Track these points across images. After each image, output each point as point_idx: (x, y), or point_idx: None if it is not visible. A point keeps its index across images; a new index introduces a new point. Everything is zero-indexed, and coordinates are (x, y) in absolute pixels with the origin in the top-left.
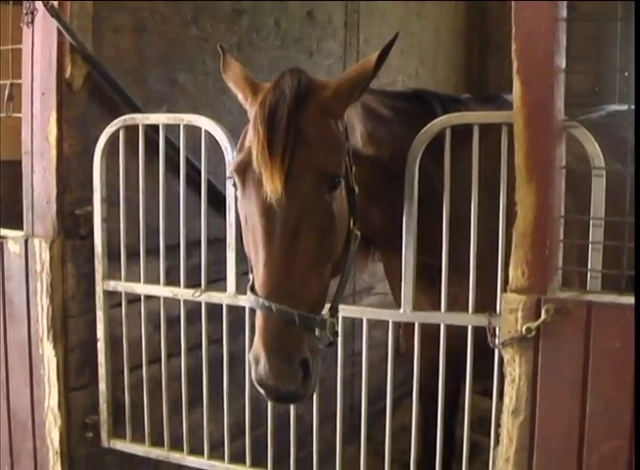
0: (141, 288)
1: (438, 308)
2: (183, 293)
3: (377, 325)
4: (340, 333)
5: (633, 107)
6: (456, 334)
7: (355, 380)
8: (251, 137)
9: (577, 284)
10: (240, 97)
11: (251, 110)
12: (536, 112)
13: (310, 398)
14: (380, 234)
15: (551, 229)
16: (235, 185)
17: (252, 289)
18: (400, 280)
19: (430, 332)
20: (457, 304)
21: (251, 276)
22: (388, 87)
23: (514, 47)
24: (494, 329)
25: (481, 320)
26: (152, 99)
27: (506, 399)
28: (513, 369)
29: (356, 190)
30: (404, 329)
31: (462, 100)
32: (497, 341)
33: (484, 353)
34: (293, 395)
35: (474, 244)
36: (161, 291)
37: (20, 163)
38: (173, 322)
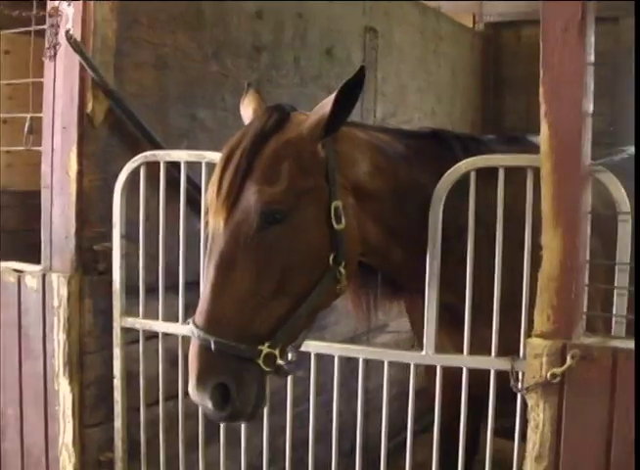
0: (159, 325)
1: (462, 351)
2: None
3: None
4: (290, 366)
5: None
6: (476, 376)
7: (369, 418)
8: None
9: (601, 326)
10: None
11: None
12: (564, 156)
13: (252, 419)
14: (403, 273)
15: (577, 274)
16: None
17: None
18: (420, 320)
19: (450, 373)
20: (485, 346)
21: None
22: (405, 125)
23: (542, 90)
24: (517, 373)
25: (504, 364)
26: (172, 135)
27: (529, 445)
28: (537, 414)
29: (339, 226)
30: (426, 369)
31: (484, 141)
32: (521, 386)
33: (503, 395)
34: (213, 414)
35: (497, 285)
36: (180, 329)
37: (32, 193)
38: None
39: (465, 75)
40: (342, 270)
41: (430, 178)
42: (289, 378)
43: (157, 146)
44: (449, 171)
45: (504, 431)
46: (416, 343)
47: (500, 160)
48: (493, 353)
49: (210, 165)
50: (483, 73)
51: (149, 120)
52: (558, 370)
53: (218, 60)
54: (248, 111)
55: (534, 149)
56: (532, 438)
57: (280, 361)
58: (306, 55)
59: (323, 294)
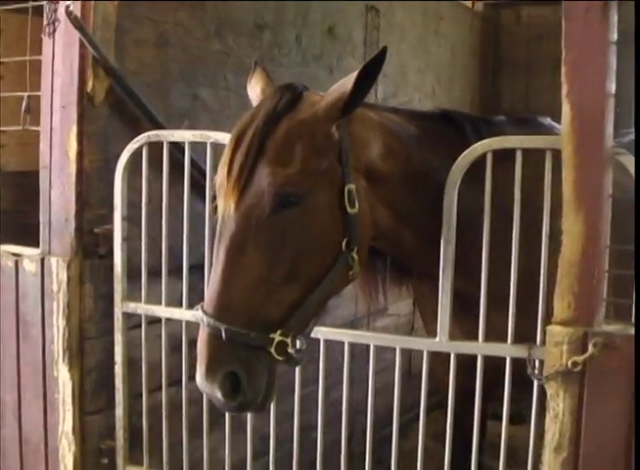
0: (162, 311)
1: (472, 337)
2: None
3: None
4: (298, 355)
5: None
6: (487, 363)
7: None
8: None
9: (612, 313)
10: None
11: None
12: (587, 138)
13: (262, 409)
14: (413, 258)
15: (598, 259)
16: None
17: None
18: (433, 307)
19: (459, 360)
20: (494, 333)
21: None
22: (405, 105)
23: (564, 70)
24: (534, 361)
25: (521, 352)
26: (173, 114)
27: (548, 435)
28: (556, 404)
29: (352, 210)
30: (434, 355)
31: (495, 122)
32: (537, 373)
33: (514, 382)
34: (222, 405)
35: (514, 271)
36: (184, 314)
37: (26, 173)
38: (192, 344)
39: (464, 56)
40: (355, 256)
41: (441, 161)
42: None
43: (158, 126)
44: (465, 153)
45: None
46: (418, 327)
47: (518, 141)
48: (509, 341)
49: (216, 146)
50: (482, 54)
51: (150, 100)
52: (579, 358)
53: (220, 38)
54: (255, 90)
55: (546, 131)
56: (552, 428)
57: (291, 350)
58: (308, 34)
59: (336, 280)
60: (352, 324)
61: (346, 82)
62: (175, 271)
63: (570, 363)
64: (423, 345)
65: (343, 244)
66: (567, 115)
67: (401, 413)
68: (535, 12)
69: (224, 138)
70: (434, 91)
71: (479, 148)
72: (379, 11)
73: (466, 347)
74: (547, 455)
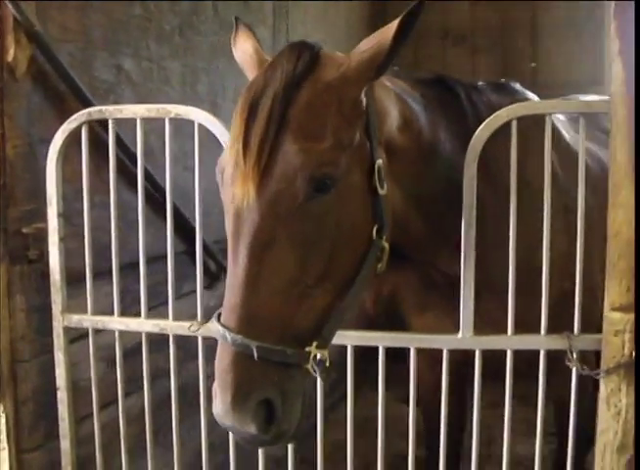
0: (116, 322)
1: (453, 330)
2: (173, 326)
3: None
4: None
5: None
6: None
7: None
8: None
9: None
10: (249, 76)
11: None
12: None
13: (289, 442)
14: (419, 244)
15: None
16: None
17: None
18: (420, 299)
19: (431, 354)
20: (491, 323)
21: None
22: None
23: (614, 25)
24: (574, 353)
25: (560, 343)
26: (97, 88)
27: (608, 435)
28: (618, 400)
29: (382, 191)
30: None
31: (480, 88)
32: (581, 365)
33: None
34: (253, 439)
35: (546, 255)
36: (144, 325)
37: None
38: (129, 356)
39: (359, 25)
40: (386, 244)
41: (444, 133)
42: None
43: (86, 102)
44: (488, 122)
45: None
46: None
47: (548, 106)
48: (543, 331)
49: (176, 123)
50: (373, 23)
51: (74, 72)
52: None
53: (142, 1)
54: (244, 48)
55: (520, 97)
56: (613, 426)
57: (328, 364)
58: (224, 2)
59: (369, 275)
60: None
61: (381, 38)
62: (104, 274)
63: (635, 353)
64: (442, 343)
65: (374, 231)
66: (618, 74)
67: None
68: None
69: (189, 113)
70: None
71: (504, 115)
72: None
73: (494, 341)
74: (609, 457)
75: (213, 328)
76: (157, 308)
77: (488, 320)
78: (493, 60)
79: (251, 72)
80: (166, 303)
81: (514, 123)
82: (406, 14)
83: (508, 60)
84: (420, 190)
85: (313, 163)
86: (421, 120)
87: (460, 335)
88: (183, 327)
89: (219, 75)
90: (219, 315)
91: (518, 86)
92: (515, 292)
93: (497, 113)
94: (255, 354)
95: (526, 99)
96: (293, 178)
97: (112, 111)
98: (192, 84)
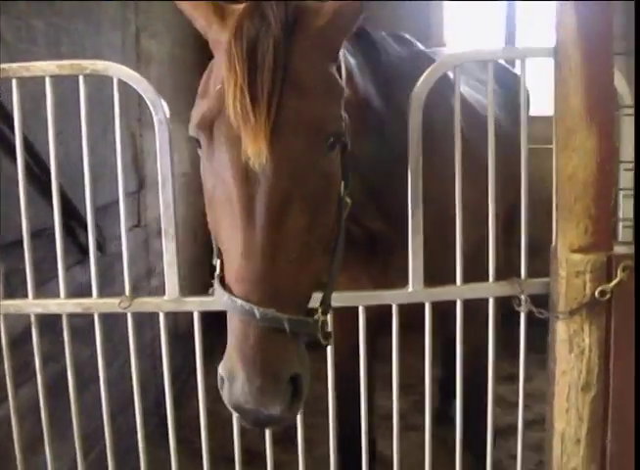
0: (70, 305)
1: (380, 285)
2: (99, 304)
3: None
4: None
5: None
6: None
7: None
8: (224, 78)
9: None
10: (200, 23)
11: (219, 40)
12: (595, 45)
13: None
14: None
15: (615, 176)
16: (199, 144)
17: (223, 283)
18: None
19: (347, 317)
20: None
21: (217, 264)
22: None
23: None
24: (523, 298)
25: (510, 289)
26: None
27: (572, 374)
28: (581, 340)
29: (349, 146)
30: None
31: (389, 40)
32: (533, 308)
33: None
34: (276, 419)
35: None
36: (65, 306)
37: None
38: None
39: None
40: (348, 200)
41: (372, 87)
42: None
43: None
44: (431, 69)
45: None
46: None
47: (491, 53)
48: (491, 279)
49: (91, 80)
50: None
51: None
52: (607, 286)
53: None
54: None
55: (417, 49)
56: (577, 366)
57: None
58: None
59: (344, 231)
60: None
61: None
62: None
63: (597, 293)
64: (391, 298)
65: (342, 187)
66: (571, 22)
67: (173, 380)
68: None
69: (108, 68)
70: None
71: (446, 63)
72: None
73: (443, 293)
74: (574, 396)
75: (222, 301)
76: (38, 289)
77: (404, 275)
78: None
79: (204, 16)
80: (46, 282)
81: (457, 70)
82: None
83: None
84: (354, 148)
85: (325, 118)
86: (357, 76)
87: (410, 288)
88: (110, 304)
89: (79, 36)
90: (224, 287)
91: (412, 38)
92: (431, 244)
93: (439, 61)
94: (287, 328)
95: (421, 51)
96: (308, 134)
97: (16, 69)
98: (56, 44)
